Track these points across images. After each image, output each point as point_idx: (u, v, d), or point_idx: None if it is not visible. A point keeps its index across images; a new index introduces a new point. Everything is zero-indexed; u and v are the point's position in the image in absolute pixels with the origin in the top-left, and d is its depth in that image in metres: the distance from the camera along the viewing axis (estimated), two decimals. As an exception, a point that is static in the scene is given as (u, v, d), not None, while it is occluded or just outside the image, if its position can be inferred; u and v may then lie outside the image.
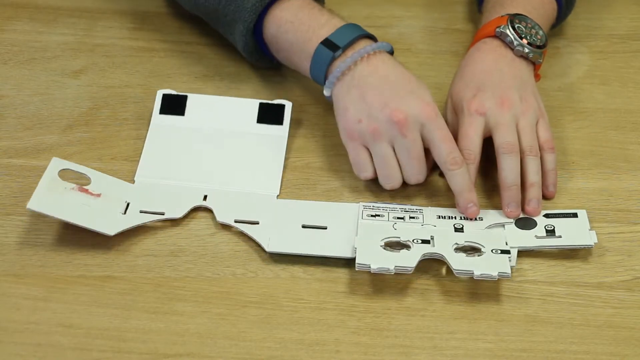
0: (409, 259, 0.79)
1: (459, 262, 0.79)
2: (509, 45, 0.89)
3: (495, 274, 0.77)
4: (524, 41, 0.89)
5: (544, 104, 0.92)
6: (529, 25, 0.90)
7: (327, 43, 0.87)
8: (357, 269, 0.78)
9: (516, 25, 0.90)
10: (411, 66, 1.00)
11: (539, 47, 0.90)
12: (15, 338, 0.75)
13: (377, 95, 0.84)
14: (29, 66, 0.99)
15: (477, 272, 0.77)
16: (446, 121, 0.89)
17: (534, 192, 0.85)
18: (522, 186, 0.85)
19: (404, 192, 0.87)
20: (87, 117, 0.94)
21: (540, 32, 0.91)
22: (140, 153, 0.89)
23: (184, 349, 0.75)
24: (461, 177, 0.83)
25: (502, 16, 0.91)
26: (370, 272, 0.78)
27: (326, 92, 0.88)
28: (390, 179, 0.85)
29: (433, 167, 0.87)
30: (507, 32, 0.89)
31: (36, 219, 0.82)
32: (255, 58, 0.95)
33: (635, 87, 0.99)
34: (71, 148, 0.91)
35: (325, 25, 0.88)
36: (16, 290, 0.78)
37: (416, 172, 0.85)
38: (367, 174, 0.86)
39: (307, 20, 0.89)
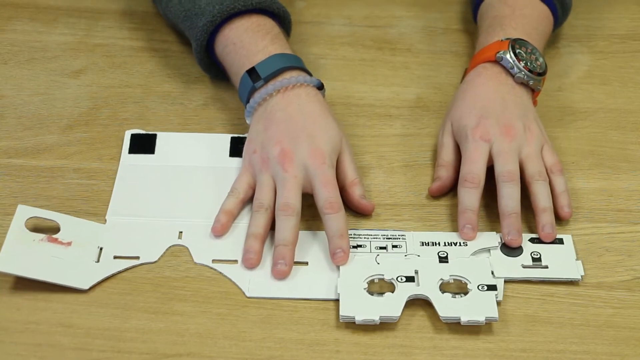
0: (393, 306, 0.77)
1: (445, 307, 0.77)
2: (510, 71, 0.88)
3: (482, 319, 0.76)
4: (524, 67, 0.87)
5: (544, 103, 0.92)
6: (529, 51, 0.89)
7: (252, 72, 0.86)
8: (341, 320, 0.76)
9: (517, 51, 0.88)
10: (411, 66, 1.01)
11: (539, 74, 0.89)
12: (15, 338, 0.75)
13: (277, 131, 0.84)
14: (29, 66, 0.99)
15: (464, 319, 0.76)
16: (440, 142, 0.88)
17: (547, 218, 0.82)
18: (534, 212, 0.83)
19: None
20: (87, 117, 0.94)
21: (540, 59, 0.89)
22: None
23: (184, 349, 0.75)
24: (336, 221, 0.80)
25: (502, 40, 0.89)
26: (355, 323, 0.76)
27: (247, 121, 0.88)
28: (262, 203, 0.82)
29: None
30: (508, 57, 0.88)
31: (35, 219, 0.82)
32: (211, 74, 0.95)
33: (635, 87, 0.99)
34: (71, 148, 0.90)
35: (260, 52, 0.88)
36: (16, 290, 0.78)
37: (287, 199, 0.81)
38: (238, 194, 0.83)
39: (247, 44, 0.89)
